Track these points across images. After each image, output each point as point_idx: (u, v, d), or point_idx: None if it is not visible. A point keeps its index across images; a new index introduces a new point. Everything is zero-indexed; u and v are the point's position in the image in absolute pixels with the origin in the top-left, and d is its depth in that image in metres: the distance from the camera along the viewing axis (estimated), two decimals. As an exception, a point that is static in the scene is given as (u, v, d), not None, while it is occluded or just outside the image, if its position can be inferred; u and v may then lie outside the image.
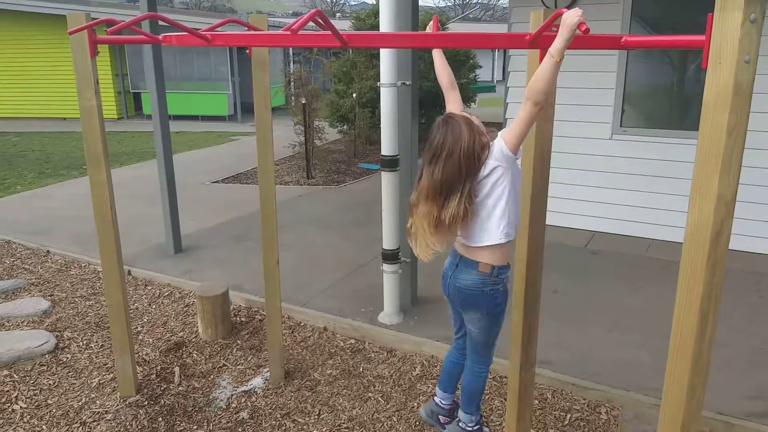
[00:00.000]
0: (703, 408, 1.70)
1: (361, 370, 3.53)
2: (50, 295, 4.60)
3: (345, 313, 4.07)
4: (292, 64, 18.62)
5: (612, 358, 3.47)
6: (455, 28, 19.50)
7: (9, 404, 3.20)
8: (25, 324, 4.11)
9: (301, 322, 4.13)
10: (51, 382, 3.42)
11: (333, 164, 9.73)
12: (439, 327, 3.81)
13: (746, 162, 1.55)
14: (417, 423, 3.02)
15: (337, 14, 39.45)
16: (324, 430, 3.00)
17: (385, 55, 3.58)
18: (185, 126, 15.04)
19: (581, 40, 1.80)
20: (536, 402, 3.14)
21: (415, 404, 3.17)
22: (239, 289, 4.51)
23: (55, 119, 16.60)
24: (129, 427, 3.00)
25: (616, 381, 3.21)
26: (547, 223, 2.41)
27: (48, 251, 5.58)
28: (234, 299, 4.39)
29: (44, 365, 3.59)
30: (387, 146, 3.71)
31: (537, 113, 1.96)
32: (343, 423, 3.04)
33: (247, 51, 2.87)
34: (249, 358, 3.68)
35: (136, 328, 4.06)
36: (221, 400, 3.25)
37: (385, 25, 3.53)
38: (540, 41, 1.86)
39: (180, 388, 3.35)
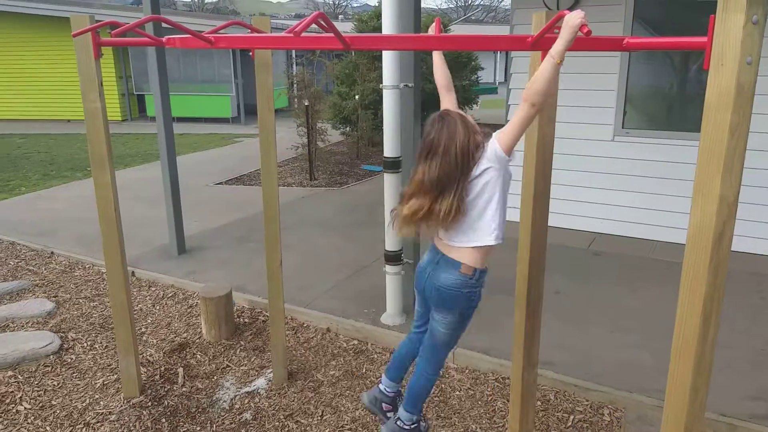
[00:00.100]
0: (705, 409, 1.70)
1: (364, 371, 3.53)
2: (54, 297, 4.61)
3: (348, 314, 4.07)
4: (294, 66, 18.67)
5: (614, 360, 3.47)
6: (457, 29, 19.51)
7: (13, 405, 3.21)
8: (29, 325, 4.13)
9: (304, 323, 4.14)
10: (55, 383, 3.43)
11: (336, 166, 9.74)
12: (442, 328, 3.81)
13: (748, 163, 1.55)
14: (420, 424, 3.02)
15: (340, 16, 39.50)
16: (327, 431, 3.00)
17: (388, 57, 3.59)
18: (189, 128, 15.07)
19: (583, 42, 1.81)
20: (539, 403, 3.14)
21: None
22: (243, 290, 4.52)
23: (60, 121, 16.65)
24: (133, 428, 3.01)
25: (618, 382, 3.21)
26: (549, 224, 2.41)
27: (52, 252, 5.60)
28: (237, 300, 4.40)
29: (48, 366, 3.60)
30: (389, 148, 3.72)
31: (534, 115, 1.94)
32: (346, 424, 3.05)
33: (251, 53, 2.88)
34: (252, 359, 3.69)
35: (140, 329, 4.07)
36: (225, 401, 3.25)
37: (388, 27, 3.54)
38: (542, 43, 1.86)
39: (183, 389, 3.36)
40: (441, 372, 2.48)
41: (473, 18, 44.67)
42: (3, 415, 3.12)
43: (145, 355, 3.72)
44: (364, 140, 10.98)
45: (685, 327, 1.59)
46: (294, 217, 6.61)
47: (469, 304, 2.26)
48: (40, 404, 3.22)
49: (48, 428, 3.02)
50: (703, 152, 1.48)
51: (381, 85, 3.71)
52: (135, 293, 4.67)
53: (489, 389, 3.31)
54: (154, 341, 3.93)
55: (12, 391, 3.33)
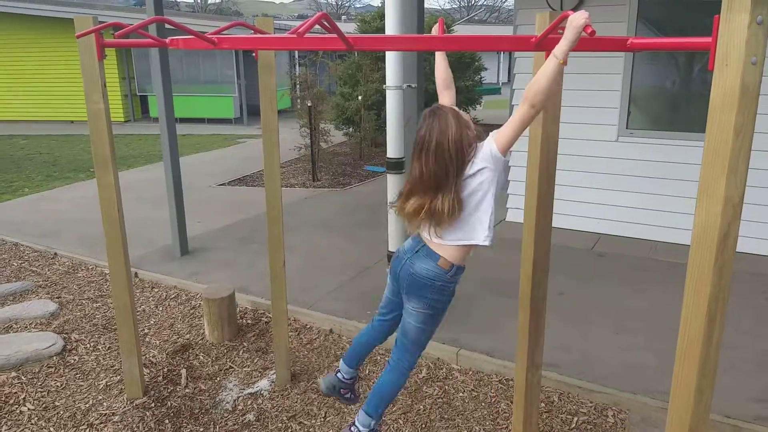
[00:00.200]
0: (710, 411, 1.69)
1: (367, 372, 3.53)
2: (58, 298, 4.62)
3: (351, 316, 4.07)
4: (297, 66, 18.68)
5: (618, 361, 3.45)
6: (461, 30, 19.52)
7: (17, 406, 3.22)
8: (32, 326, 4.14)
9: (307, 325, 4.14)
10: (58, 383, 3.44)
11: (338, 167, 9.74)
12: (444, 329, 3.80)
13: (753, 164, 1.55)
14: (423, 426, 3.02)
15: (343, 17, 39.55)
16: (330, 432, 3.00)
17: (391, 58, 3.58)
18: (192, 129, 15.10)
19: (587, 42, 1.80)
20: (543, 405, 3.13)
21: (421, 407, 3.17)
22: (245, 292, 4.52)
23: (63, 122, 16.69)
24: (136, 428, 3.01)
25: (622, 384, 3.20)
26: (553, 225, 2.40)
27: (55, 253, 5.61)
28: (240, 301, 4.40)
29: (52, 367, 3.61)
30: (392, 148, 3.72)
31: (533, 116, 1.92)
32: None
33: (254, 54, 2.88)
34: (255, 361, 3.69)
35: (143, 330, 4.08)
36: (228, 403, 3.25)
37: (391, 27, 3.54)
38: (546, 43, 1.86)
39: (186, 390, 3.36)
40: (409, 374, 2.41)
41: (476, 18, 44.65)
42: (7, 416, 3.13)
43: (148, 356, 3.72)
44: (367, 141, 10.98)
45: (689, 328, 1.58)
46: (297, 218, 6.61)
47: (440, 297, 2.23)
48: (44, 405, 3.23)
49: (51, 429, 3.03)
50: (707, 153, 1.47)
51: (384, 86, 3.71)
52: (138, 294, 4.68)
53: (492, 391, 3.30)
54: (157, 342, 3.93)
55: (15, 392, 3.34)
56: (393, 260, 2.37)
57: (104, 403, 3.24)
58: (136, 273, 5.00)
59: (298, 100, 9.89)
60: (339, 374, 2.65)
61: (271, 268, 3.20)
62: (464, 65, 13.84)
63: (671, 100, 5.72)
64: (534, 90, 1.85)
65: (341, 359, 2.66)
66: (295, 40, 1.91)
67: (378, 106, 10.59)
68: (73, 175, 9.52)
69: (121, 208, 3.01)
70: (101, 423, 3.06)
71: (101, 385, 3.41)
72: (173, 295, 4.68)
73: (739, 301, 4.01)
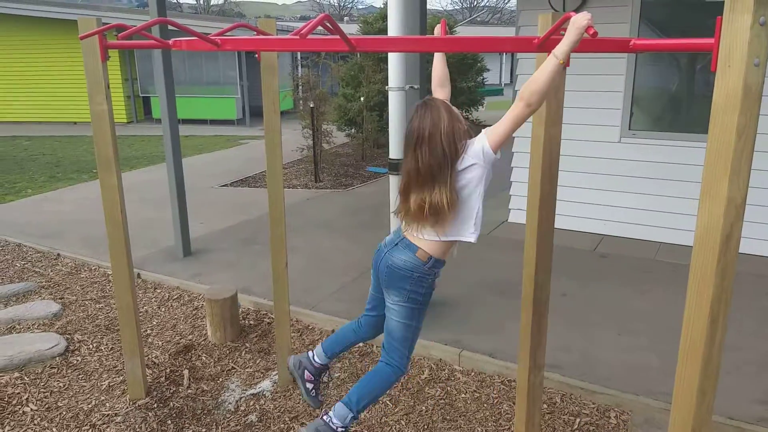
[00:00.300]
0: (713, 412, 1.69)
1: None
2: (60, 298, 4.63)
3: (353, 316, 4.03)
4: (300, 68, 18.69)
5: (621, 362, 3.45)
6: (463, 31, 19.52)
7: (20, 406, 3.23)
8: (35, 327, 4.15)
9: (309, 326, 4.14)
10: (61, 384, 3.44)
11: (341, 168, 9.75)
12: (447, 330, 3.81)
13: (756, 165, 1.55)
14: (425, 427, 3.02)
15: (345, 18, 39.59)
16: (332, 433, 3.00)
17: (393, 59, 3.59)
18: (194, 130, 15.12)
19: (590, 43, 1.80)
20: (545, 406, 3.13)
21: (423, 408, 3.16)
22: (248, 292, 4.53)
23: (66, 123, 16.74)
24: (138, 429, 3.01)
25: (625, 385, 3.20)
26: (555, 226, 2.40)
27: (58, 254, 5.62)
28: (243, 302, 4.40)
29: (54, 368, 3.61)
30: (395, 149, 3.72)
31: (527, 116, 1.91)
32: (351, 426, 3.04)
33: (256, 55, 2.88)
34: (258, 361, 3.69)
35: (146, 330, 4.08)
36: (230, 403, 3.26)
37: (393, 28, 3.54)
38: (548, 45, 1.86)
39: (189, 391, 3.37)
40: (399, 375, 2.34)
41: (479, 19, 44.67)
42: (10, 416, 3.13)
43: (150, 356, 3.73)
44: (370, 142, 10.99)
45: (692, 329, 1.58)
46: (299, 219, 6.61)
47: (419, 289, 2.22)
48: (46, 406, 3.23)
49: (54, 430, 3.03)
50: (710, 154, 1.47)
51: (386, 87, 3.71)
52: (141, 295, 4.69)
53: (495, 392, 3.30)
54: (160, 343, 3.93)
55: (18, 393, 3.34)
56: (374, 254, 2.37)
57: (107, 404, 3.24)
58: (138, 274, 5.01)
59: (301, 102, 9.90)
60: (311, 354, 2.60)
61: (274, 269, 3.20)
62: (466, 66, 13.85)
63: (674, 101, 5.71)
64: (530, 89, 1.84)
65: (320, 342, 2.64)
66: (297, 42, 1.92)
67: (380, 107, 10.60)
68: (76, 176, 9.54)
69: (124, 209, 3.02)
70: (104, 424, 3.07)
71: (104, 386, 3.42)
72: (176, 296, 4.69)
73: (742, 303, 4.00)
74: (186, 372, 3.55)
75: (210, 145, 12.93)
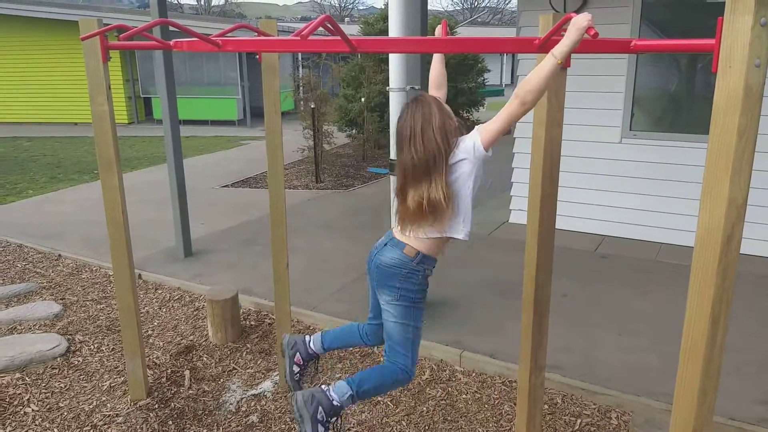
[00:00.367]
0: (714, 413, 1.69)
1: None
2: (62, 299, 4.63)
3: (354, 317, 4.06)
4: (301, 68, 18.71)
5: (622, 363, 3.45)
6: (464, 32, 19.53)
7: (21, 407, 3.23)
8: (36, 327, 4.15)
9: (310, 326, 4.14)
10: (62, 385, 3.45)
11: (342, 168, 9.76)
12: (448, 331, 3.81)
13: (757, 165, 1.55)
14: (426, 428, 3.02)
15: (346, 19, 39.63)
16: (333, 433, 3.00)
17: (394, 60, 3.59)
18: (195, 130, 15.13)
19: (591, 44, 1.80)
20: (546, 407, 3.13)
21: (425, 408, 3.16)
22: (249, 293, 4.53)
23: (67, 124, 16.76)
24: (139, 430, 3.01)
25: (626, 386, 3.20)
26: (556, 226, 2.40)
27: (60, 255, 5.63)
28: (244, 303, 4.40)
29: (56, 368, 3.62)
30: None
31: (522, 114, 1.90)
32: (352, 427, 3.04)
33: (257, 56, 2.89)
34: (259, 362, 3.69)
35: (147, 331, 4.09)
36: (231, 404, 3.26)
37: (394, 29, 3.55)
38: (549, 45, 1.85)
39: (190, 392, 3.37)
40: (405, 375, 2.27)
41: (479, 20, 44.70)
42: (11, 417, 3.14)
43: (151, 357, 3.73)
44: (370, 143, 11.00)
45: (693, 330, 1.58)
46: (300, 220, 6.62)
47: (409, 286, 2.20)
48: (48, 406, 3.24)
49: (55, 430, 3.03)
50: (711, 155, 1.47)
51: (387, 88, 3.71)
52: (142, 296, 4.69)
53: (496, 393, 3.30)
54: (161, 344, 3.94)
55: (19, 393, 3.35)
56: (368, 258, 2.36)
57: (108, 405, 3.24)
58: (139, 274, 5.01)
59: (302, 102, 9.91)
60: (308, 338, 2.58)
61: (275, 269, 3.20)
62: (467, 67, 13.85)
63: (675, 102, 5.71)
64: (526, 88, 1.83)
65: (321, 331, 2.63)
66: (298, 43, 1.92)
67: (381, 107, 10.60)
68: (77, 176, 9.55)
69: (125, 210, 3.02)
70: (105, 424, 3.07)
71: (105, 387, 3.42)
72: (177, 297, 4.69)
73: (743, 304, 4.00)
74: (187, 372, 3.55)
75: (211, 146, 12.94)
